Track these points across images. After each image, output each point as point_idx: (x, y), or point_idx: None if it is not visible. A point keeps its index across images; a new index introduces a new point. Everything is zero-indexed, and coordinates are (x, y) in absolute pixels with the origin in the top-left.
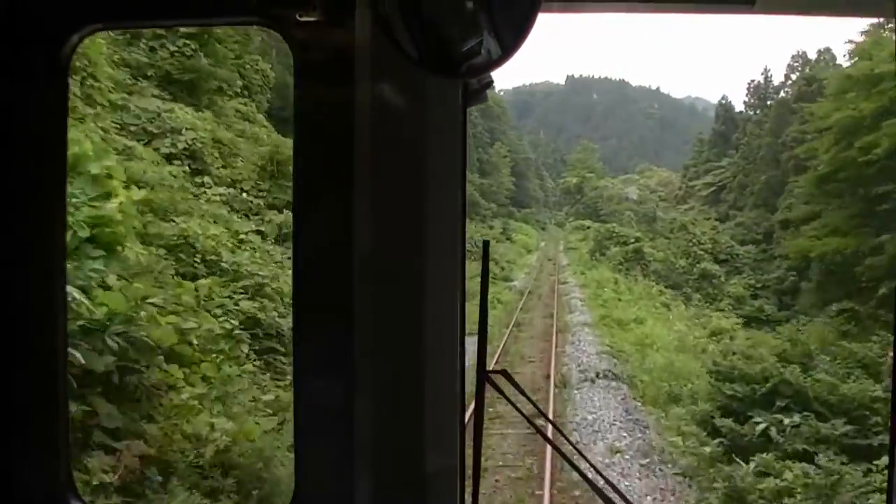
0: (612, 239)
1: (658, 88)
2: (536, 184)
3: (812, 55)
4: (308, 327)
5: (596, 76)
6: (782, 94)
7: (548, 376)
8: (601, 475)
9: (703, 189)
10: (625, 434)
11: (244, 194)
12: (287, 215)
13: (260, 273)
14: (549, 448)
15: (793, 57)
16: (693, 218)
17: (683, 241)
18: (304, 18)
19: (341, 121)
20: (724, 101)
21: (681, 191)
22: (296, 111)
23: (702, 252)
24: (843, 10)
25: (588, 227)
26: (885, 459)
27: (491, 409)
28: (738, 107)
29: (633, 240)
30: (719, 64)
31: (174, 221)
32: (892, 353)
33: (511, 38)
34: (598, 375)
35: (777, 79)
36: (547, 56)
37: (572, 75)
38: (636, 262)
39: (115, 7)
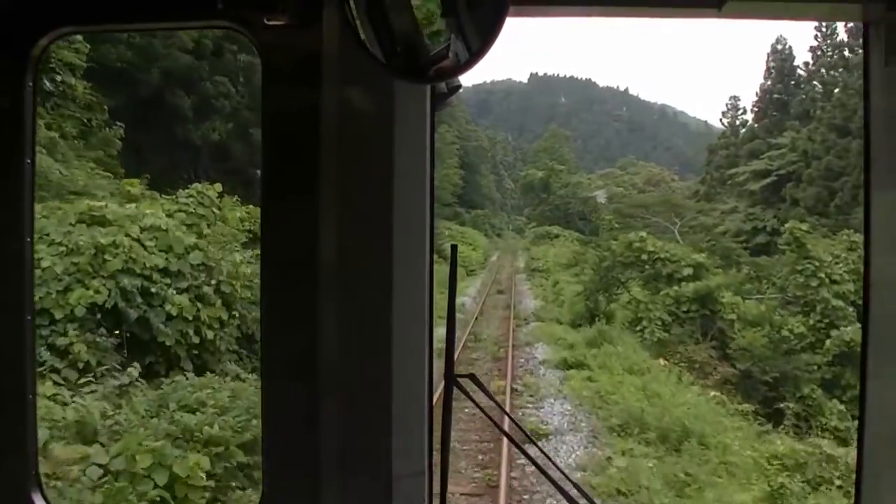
0: (634, 265)
1: (626, 90)
2: (492, 180)
3: None
4: (276, 331)
5: (561, 75)
6: None
7: None
8: (568, 479)
9: (751, 181)
10: None
11: None
12: None
13: None
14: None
15: None
16: (810, 225)
17: (797, 276)
18: (272, 21)
19: (308, 124)
20: (779, 46)
21: (704, 185)
22: (263, 114)
23: (838, 301)
24: (811, 15)
25: (556, 236)
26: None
27: None
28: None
29: (688, 269)
30: (691, 71)
31: None
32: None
33: (479, 41)
34: None
35: None
36: (510, 54)
37: (536, 73)
38: (700, 324)
39: (83, 10)
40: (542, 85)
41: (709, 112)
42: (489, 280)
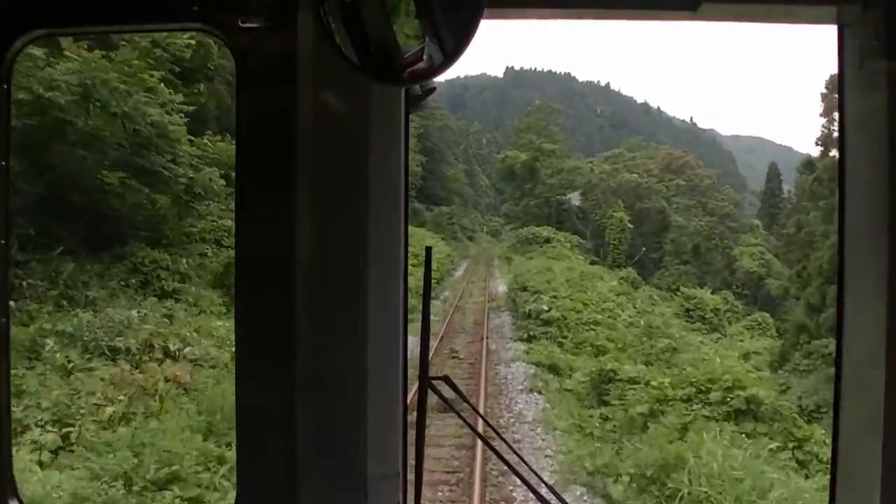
0: None
1: (608, 85)
2: (462, 171)
3: None
4: (250, 332)
5: (539, 69)
6: None
7: None
8: (541, 479)
9: None
10: None
11: None
12: None
13: None
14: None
15: None
16: None
17: None
18: (247, 24)
19: (283, 127)
20: None
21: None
22: (237, 118)
23: None
24: (785, 17)
25: (547, 239)
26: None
27: None
28: None
29: None
30: (673, 68)
31: None
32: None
33: (453, 44)
34: None
35: None
36: (486, 49)
37: (512, 67)
38: None
39: (59, 12)
40: (518, 79)
41: (693, 110)
42: (436, 337)
